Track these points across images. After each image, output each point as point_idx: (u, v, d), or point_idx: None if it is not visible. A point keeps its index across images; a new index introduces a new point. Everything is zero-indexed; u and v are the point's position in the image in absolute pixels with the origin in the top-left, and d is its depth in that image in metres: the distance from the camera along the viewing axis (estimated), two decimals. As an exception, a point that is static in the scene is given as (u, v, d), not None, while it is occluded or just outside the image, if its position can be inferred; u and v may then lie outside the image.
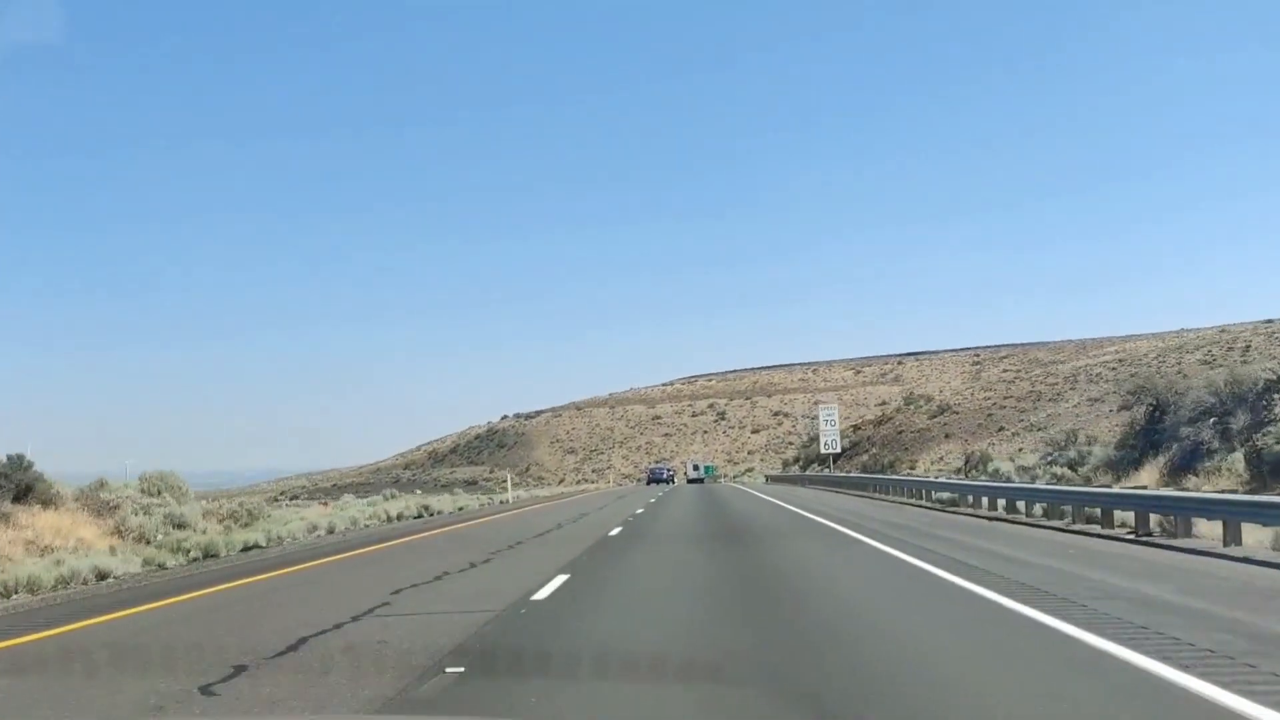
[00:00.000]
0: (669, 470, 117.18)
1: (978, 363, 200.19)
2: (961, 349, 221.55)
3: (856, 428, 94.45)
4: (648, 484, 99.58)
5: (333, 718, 6.46)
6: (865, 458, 77.25)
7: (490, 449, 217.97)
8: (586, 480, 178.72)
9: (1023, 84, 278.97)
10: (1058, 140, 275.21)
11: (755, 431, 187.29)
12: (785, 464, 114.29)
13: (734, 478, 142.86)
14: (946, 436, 72.21)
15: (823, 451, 78.05)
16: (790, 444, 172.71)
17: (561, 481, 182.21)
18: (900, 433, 79.03)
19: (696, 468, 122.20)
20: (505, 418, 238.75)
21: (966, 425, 72.03)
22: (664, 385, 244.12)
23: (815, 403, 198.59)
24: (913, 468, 61.72)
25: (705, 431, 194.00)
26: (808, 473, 74.68)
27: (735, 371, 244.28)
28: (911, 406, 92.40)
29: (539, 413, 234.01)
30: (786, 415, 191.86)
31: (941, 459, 65.46)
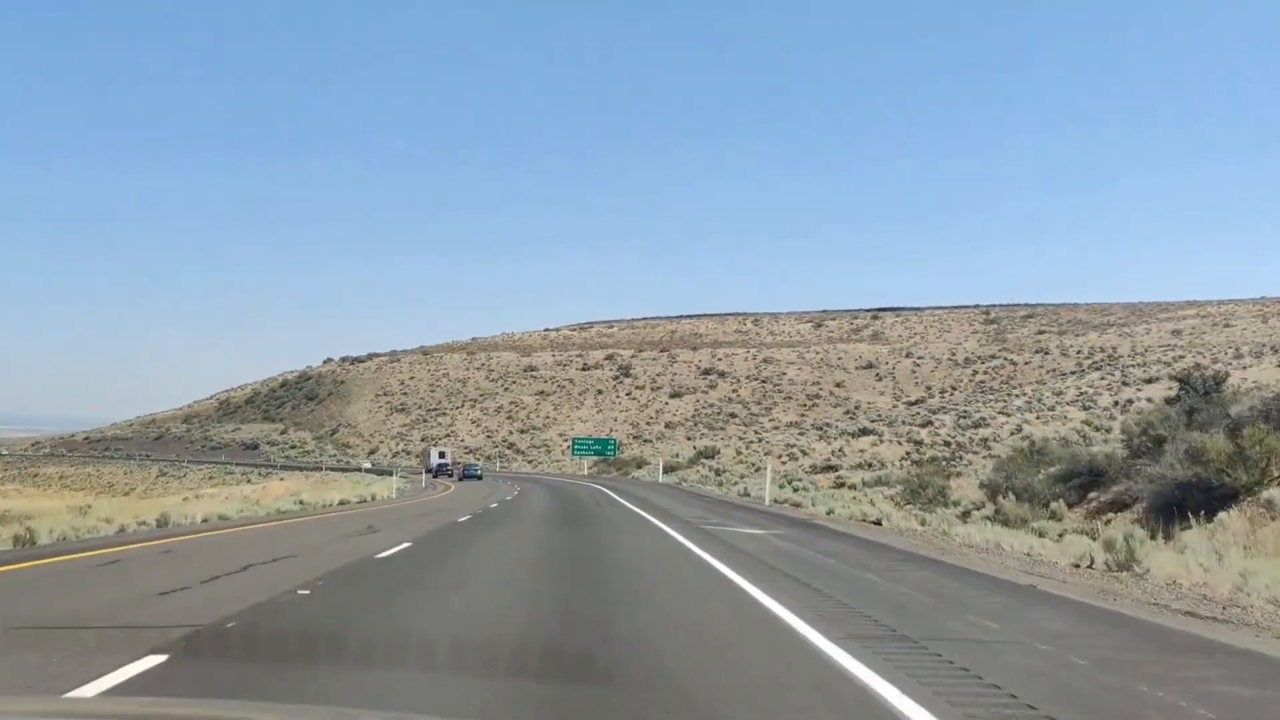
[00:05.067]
0: (479, 466, 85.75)
1: (991, 321, 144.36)
2: (968, 305, 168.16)
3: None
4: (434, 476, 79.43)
5: (405, 716, 5.73)
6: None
7: (296, 401, 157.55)
8: (392, 458, 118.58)
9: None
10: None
11: (676, 395, 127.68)
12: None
13: (662, 474, 76.63)
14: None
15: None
16: (731, 416, 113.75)
17: (373, 453, 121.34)
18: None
19: (442, 455, 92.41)
20: (328, 361, 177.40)
21: None
22: (546, 331, 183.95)
23: (763, 360, 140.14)
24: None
25: (599, 391, 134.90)
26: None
27: (646, 319, 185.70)
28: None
29: (371, 356, 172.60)
30: (722, 375, 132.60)
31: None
